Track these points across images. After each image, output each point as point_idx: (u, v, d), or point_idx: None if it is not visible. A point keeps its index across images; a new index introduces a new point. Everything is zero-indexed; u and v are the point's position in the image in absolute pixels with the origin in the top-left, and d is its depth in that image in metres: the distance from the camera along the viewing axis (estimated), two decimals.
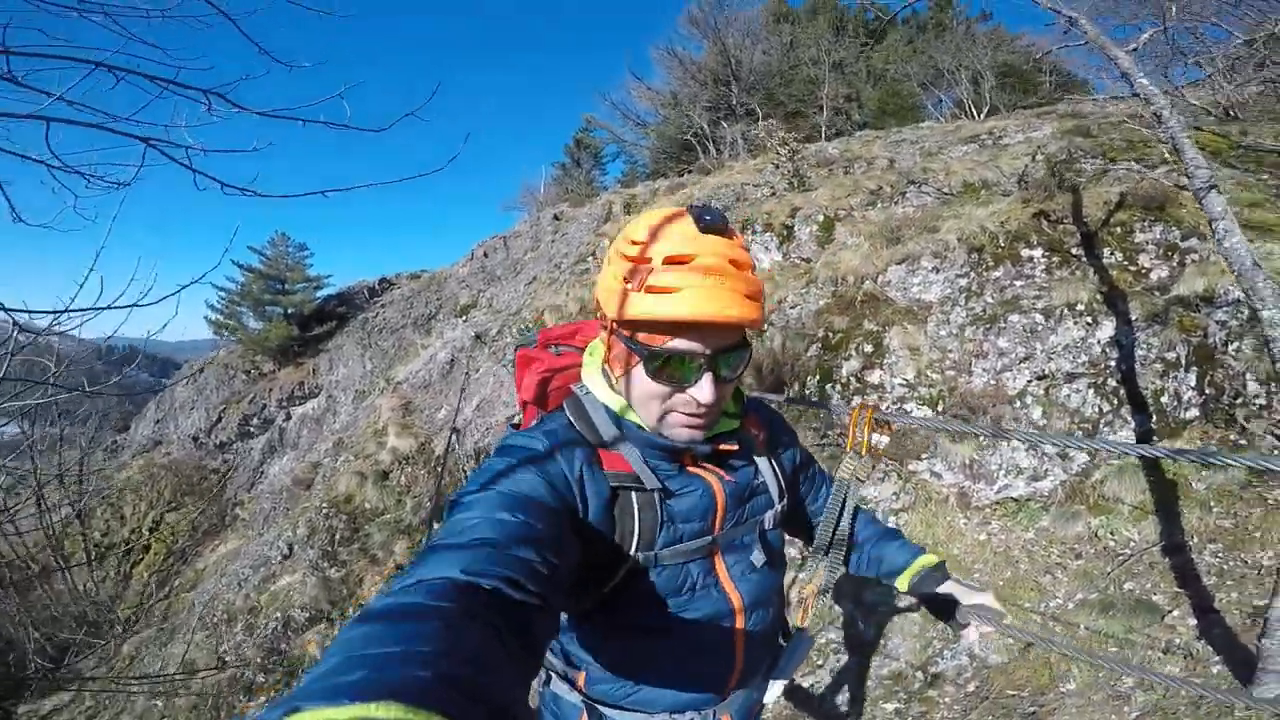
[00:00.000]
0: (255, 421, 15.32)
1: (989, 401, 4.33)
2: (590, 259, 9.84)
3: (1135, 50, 4.86)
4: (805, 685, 3.69)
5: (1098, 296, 4.59)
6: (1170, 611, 3.39)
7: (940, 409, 4.46)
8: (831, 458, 4.71)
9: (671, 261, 0.84)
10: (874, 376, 4.86)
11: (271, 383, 15.70)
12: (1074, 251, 5.20)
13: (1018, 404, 4.37)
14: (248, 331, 16.28)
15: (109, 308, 1.73)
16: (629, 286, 0.86)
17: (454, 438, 6.88)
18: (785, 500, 1.11)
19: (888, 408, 4.71)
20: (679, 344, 0.85)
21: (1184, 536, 3.67)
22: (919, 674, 3.57)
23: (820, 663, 3.84)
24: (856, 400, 4.88)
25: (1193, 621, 3.31)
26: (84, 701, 8.98)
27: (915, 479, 4.35)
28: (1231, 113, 8.52)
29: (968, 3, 20.85)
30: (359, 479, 9.32)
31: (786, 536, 1.22)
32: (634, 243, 0.88)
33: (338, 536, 8.58)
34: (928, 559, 1.25)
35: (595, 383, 0.99)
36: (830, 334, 5.41)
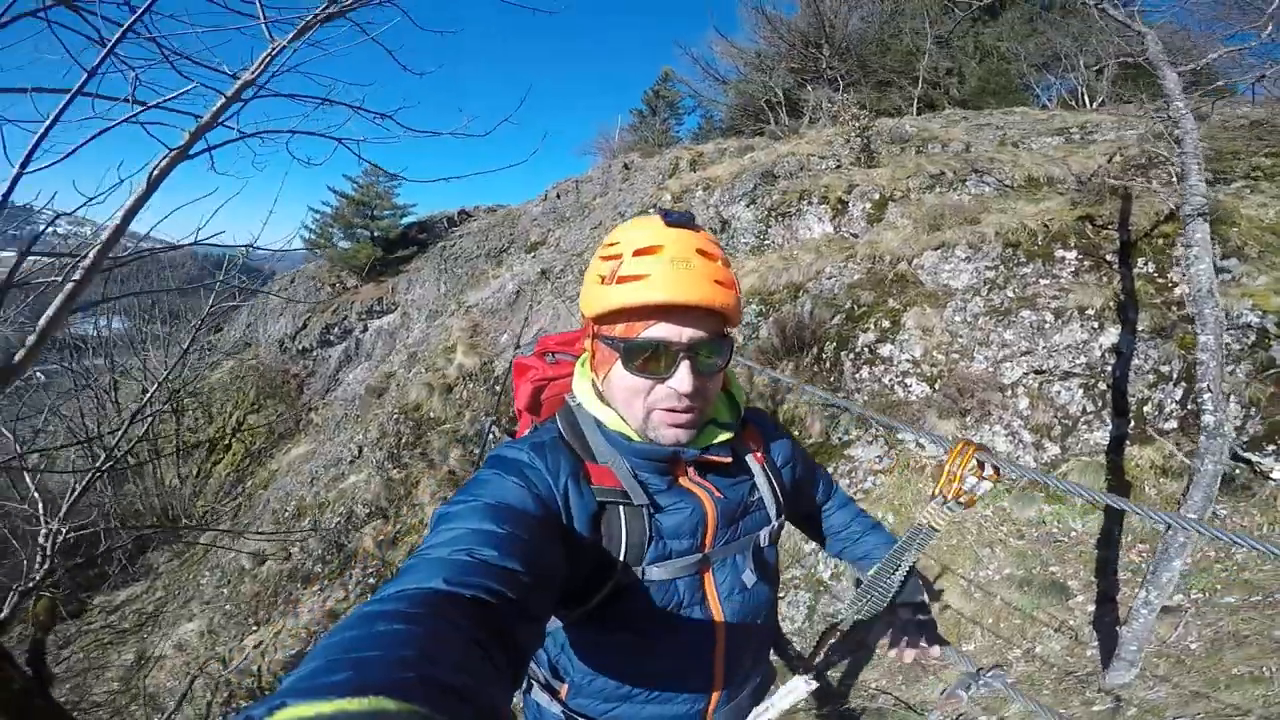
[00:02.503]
0: (336, 331, 16.52)
1: (982, 387, 4.72)
2: (652, 210, 10.35)
3: (1208, 62, 4.86)
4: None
5: (1111, 304, 4.81)
6: (1076, 596, 3.86)
7: (935, 387, 4.88)
8: (831, 418, 5.23)
9: (641, 252, 0.87)
10: (885, 350, 5.31)
11: (354, 296, 17.01)
12: (1108, 258, 5.36)
13: (1008, 393, 4.74)
14: (337, 250, 17.71)
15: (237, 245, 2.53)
16: (604, 283, 0.89)
17: (514, 354, 7.74)
18: (782, 517, 1.10)
19: (890, 380, 5.17)
20: (654, 332, 0.87)
21: (1120, 534, 4.07)
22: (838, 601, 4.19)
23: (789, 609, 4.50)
24: (865, 372, 5.34)
25: (1091, 608, 3.77)
26: (155, 592, 10.29)
27: (900, 446, 4.84)
28: None
29: None
30: (428, 389, 10.36)
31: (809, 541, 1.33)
32: (608, 245, 0.92)
33: (403, 440, 9.57)
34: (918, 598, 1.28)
35: (586, 394, 1.00)
36: (856, 306, 5.84)
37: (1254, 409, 4.23)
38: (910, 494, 4.62)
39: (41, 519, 3.15)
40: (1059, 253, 5.48)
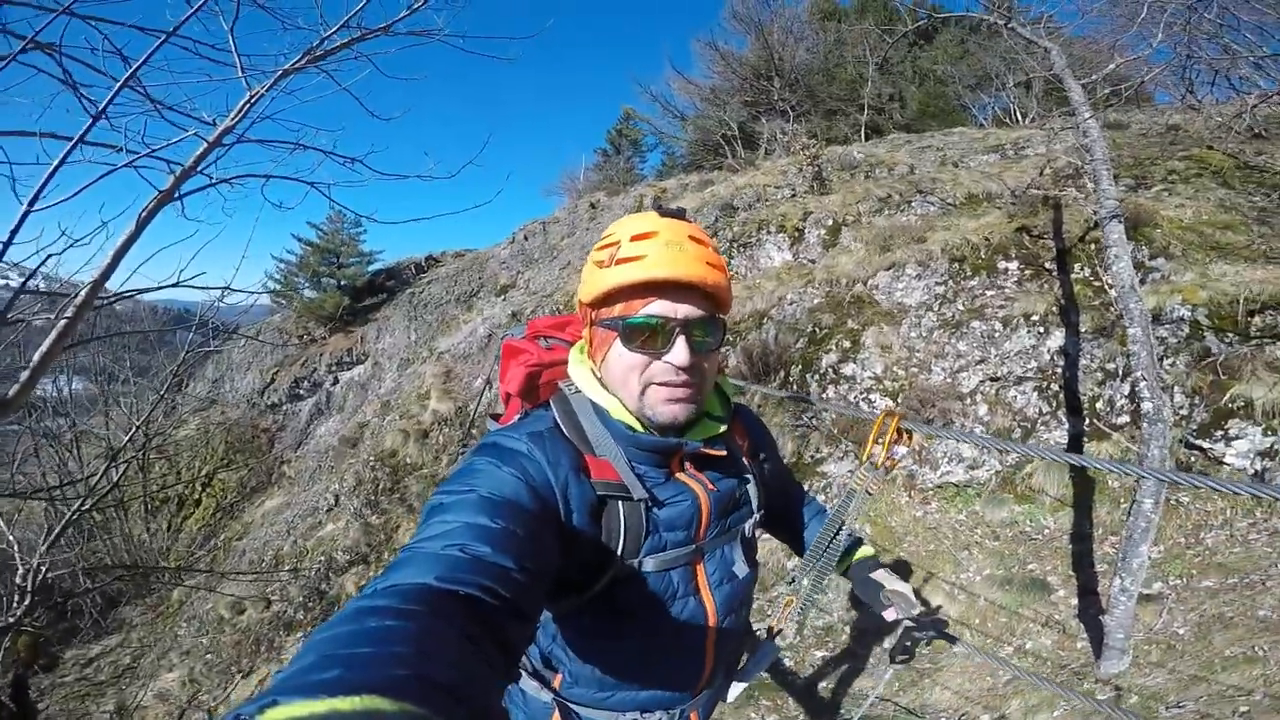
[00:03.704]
0: (305, 384, 16.27)
1: (942, 397, 4.91)
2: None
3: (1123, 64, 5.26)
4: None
5: (1054, 309, 5.08)
6: (1058, 591, 3.98)
7: (899, 400, 5.06)
8: (802, 437, 5.36)
9: (638, 238, 0.91)
10: (847, 369, 5.49)
11: (323, 347, 16.78)
12: (1047, 265, 5.67)
13: (968, 401, 4.93)
14: (304, 300, 17.57)
15: (179, 285, 2.62)
16: (602, 267, 0.93)
17: (488, 392, 7.78)
18: (763, 510, 1.13)
19: (855, 398, 5.33)
20: (652, 309, 0.90)
21: (1091, 528, 4.22)
22: (847, 628, 4.25)
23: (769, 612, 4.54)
24: (831, 391, 5.51)
25: (1075, 602, 3.88)
26: (131, 645, 10.03)
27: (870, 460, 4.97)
28: (1258, 130, 8.45)
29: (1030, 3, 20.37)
30: (403, 436, 10.30)
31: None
32: (605, 237, 0.97)
33: (380, 486, 9.49)
34: (866, 550, 1.35)
35: (586, 381, 1.00)
36: (817, 329, 6.04)
37: (1198, 397, 4.47)
38: (885, 504, 4.74)
39: (18, 558, 3.19)
40: (1001, 264, 5.78)
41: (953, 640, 1.57)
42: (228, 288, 2.92)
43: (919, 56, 19.33)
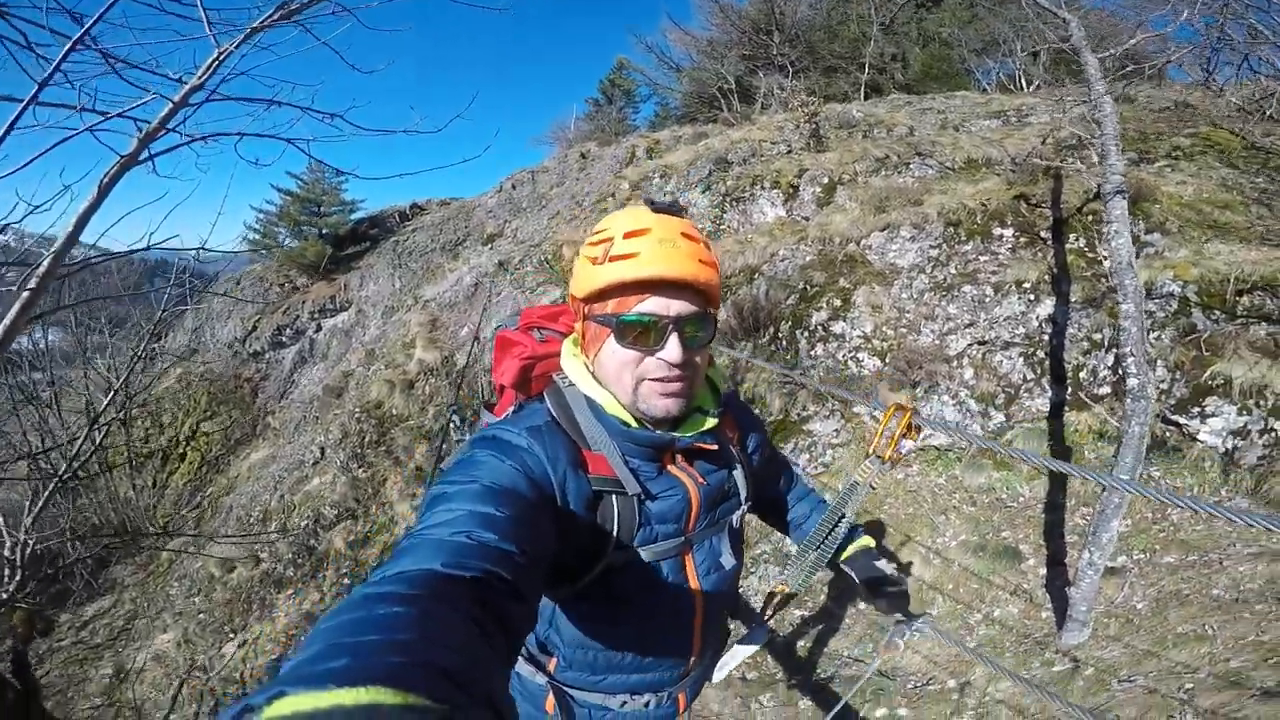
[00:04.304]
0: (288, 332, 15.94)
1: (929, 359, 4.90)
2: (610, 199, 10.33)
3: (1130, 45, 5.12)
4: None
5: (1045, 278, 5.05)
6: (1028, 560, 4.06)
7: (886, 360, 5.05)
8: (789, 395, 5.35)
9: (631, 234, 0.92)
10: (837, 327, 5.45)
11: (305, 295, 16.37)
12: (1042, 234, 5.61)
13: (954, 364, 4.94)
14: (284, 249, 17.06)
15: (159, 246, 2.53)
16: (595, 263, 0.93)
17: (474, 347, 7.67)
18: (750, 501, 1.16)
19: (844, 357, 5.31)
20: (645, 306, 0.92)
21: (1064, 498, 4.29)
22: (824, 587, 4.32)
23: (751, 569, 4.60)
24: (820, 349, 5.48)
25: (1043, 571, 3.97)
26: (124, 605, 9.97)
27: (855, 420, 4.99)
28: (1270, 113, 8.26)
29: None
30: (389, 386, 10.13)
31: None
32: (597, 232, 0.97)
33: (367, 439, 9.38)
34: (866, 541, 1.35)
35: (579, 375, 1.02)
36: (809, 287, 5.97)
37: (1179, 373, 4.51)
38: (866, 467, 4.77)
39: (4, 532, 3.09)
40: (997, 230, 5.71)
41: (943, 635, 1.71)
42: (203, 248, 2.88)
43: (925, 18, 18.76)
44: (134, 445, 13.88)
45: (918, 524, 4.47)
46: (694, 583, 1.05)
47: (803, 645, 3.99)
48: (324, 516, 8.33)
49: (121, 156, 2.06)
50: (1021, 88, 14.41)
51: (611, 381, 0.98)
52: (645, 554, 0.99)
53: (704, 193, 8.60)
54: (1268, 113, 8.01)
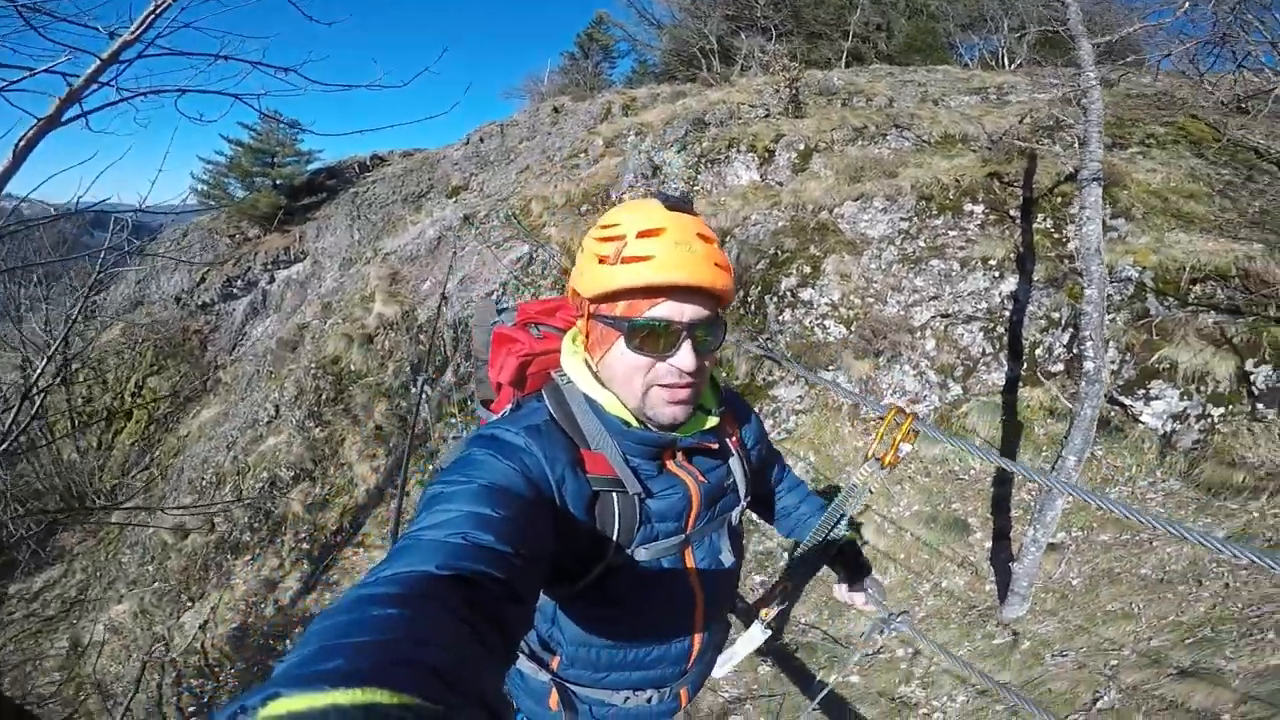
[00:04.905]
0: (239, 283, 15.15)
1: (893, 329, 4.92)
2: (582, 155, 10.01)
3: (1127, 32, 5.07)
4: None
5: (1011, 255, 5.09)
6: (976, 533, 4.18)
7: (851, 329, 5.05)
8: (756, 360, 5.33)
9: (645, 234, 0.88)
10: (805, 294, 5.43)
11: (258, 246, 15.48)
12: (1012, 213, 5.64)
13: (918, 335, 4.97)
14: (234, 201, 16.11)
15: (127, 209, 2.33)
16: (606, 263, 0.89)
17: (443, 305, 7.39)
18: (749, 497, 1.16)
19: (811, 323, 5.30)
20: (658, 311, 0.88)
21: (1012, 474, 4.40)
22: (785, 554, 4.37)
23: None
24: (788, 314, 5.45)
25: (989, 545, 4.09)
26: (74, 575, 9.51)
27: (819, 387, 5.00)
28: (1245, 107, 8.23)
29: None
30: (346, 341, 9.67)
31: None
32: (607, 226, 0.92)
33: (324, 396, 8.96)
34: (850, 536, 1.36)
35: (579, 374, 0.99)
36: (780, 253, 5.91)
37: (1129, 355, 4.63)
38: (829, 433, 4.81)
39: None
40: (968, 206, 5.72)
41: (916, 633, 1.83)
42: (141, 209, 2.76)
43: None
44: (76, 405, 13.22)
45: (877, 494, 4.54)
46: (694, 580, 1.05)
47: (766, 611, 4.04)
48: (280, 479, 7.96)
49: (39, 119, 1.95)
50: (1004, 65, 14.39)
51: (619, 385, 0.95)
52: (646, 553, 0.98)
53: (679, 153, 8.38)
54: (1254, 112, 8.01)
